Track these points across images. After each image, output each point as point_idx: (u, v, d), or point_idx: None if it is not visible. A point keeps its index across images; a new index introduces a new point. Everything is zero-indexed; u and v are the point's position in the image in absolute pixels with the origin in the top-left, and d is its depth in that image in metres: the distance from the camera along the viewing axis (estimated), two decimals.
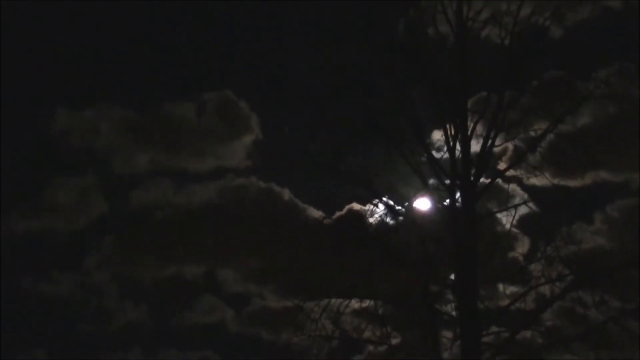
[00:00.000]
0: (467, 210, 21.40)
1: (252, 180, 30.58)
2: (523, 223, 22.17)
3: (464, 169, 21.53)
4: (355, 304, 22.04)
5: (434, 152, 21.84)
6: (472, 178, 21.52)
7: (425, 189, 21.77)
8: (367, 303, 22.07)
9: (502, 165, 22.12)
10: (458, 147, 21.55)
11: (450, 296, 21.93)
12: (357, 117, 21.86)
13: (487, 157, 21.63)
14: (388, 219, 22.17)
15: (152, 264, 30.40)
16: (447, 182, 21.63)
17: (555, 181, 21.91)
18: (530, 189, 22.28)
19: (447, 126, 21.62)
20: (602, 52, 23.26)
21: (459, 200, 21.53)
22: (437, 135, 21.99)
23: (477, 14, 21.63)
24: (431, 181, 21.89)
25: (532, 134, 21.55)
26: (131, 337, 30.34)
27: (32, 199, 30.76)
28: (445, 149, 21.70)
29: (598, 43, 23.14)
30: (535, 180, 22.10)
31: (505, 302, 21.82)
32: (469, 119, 21.64)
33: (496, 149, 21.84)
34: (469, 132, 21.59)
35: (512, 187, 22.25)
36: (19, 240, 30.16)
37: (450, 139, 21.60)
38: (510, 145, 21.98)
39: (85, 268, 30.78)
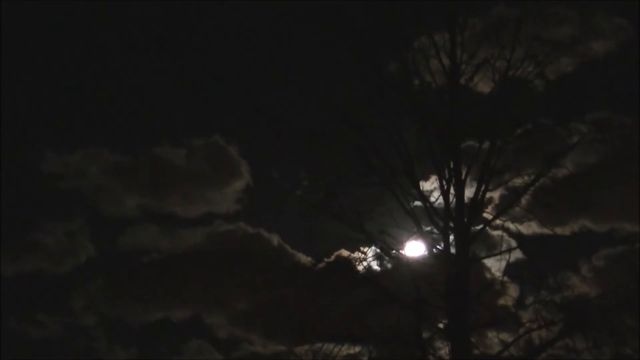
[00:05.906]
0: (460, 255, 21.34)
1: (241, 226, 30.51)
2: (510, 270, 22.09)
3: (457, 213, 21.51)
4: (346, 349, 21.83)
5: (426, 195, 21.83)
6: (465, 222, 21.48)
7: (418, 232, 21.71)
8: (358, 348, 21.88)
9: (490, 212, 22.11)
10: (452, 190, 21.55)
11: (440, 342, 21.80)
12: (350, 158, 21.78)
13: (480, 202, 21.61)
14: (376, 266, 22.09)
15: (140, 308, 30.20)
16: (441, 225, 21.57)
17: (548, 229, 21.92)
18: (516, 236, 22.27)
19: (442, 170, 21.64)
20: (588, 101, 23.34)
21: (452, 244, 21.51)
22: (432, 179, 21.96)
23: (470, 58, 21.73)
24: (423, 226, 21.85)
25: (526, 178, 21.53)
26: None
27: (20, 242, 30.62)
28: (438, 192, 21.69)
29: (584, 92, 23.18)
30: (522, 228, 22.13)
31: (496, 349, 21.68)
32: (462, 163, 21.68)
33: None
34: (462, 177, 21.61)
35: (500, 233, 22.25)
36: (6, 282, 29.94)
37: (445, 183, 21.61)
38: (501, 191, 22.05)
39: (73, 311, 30.59)
